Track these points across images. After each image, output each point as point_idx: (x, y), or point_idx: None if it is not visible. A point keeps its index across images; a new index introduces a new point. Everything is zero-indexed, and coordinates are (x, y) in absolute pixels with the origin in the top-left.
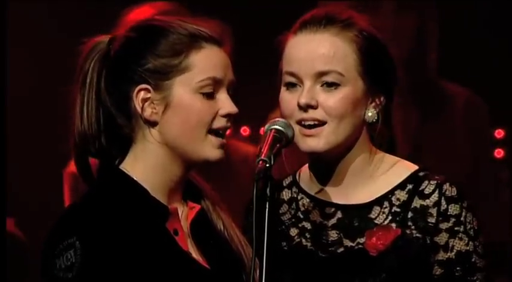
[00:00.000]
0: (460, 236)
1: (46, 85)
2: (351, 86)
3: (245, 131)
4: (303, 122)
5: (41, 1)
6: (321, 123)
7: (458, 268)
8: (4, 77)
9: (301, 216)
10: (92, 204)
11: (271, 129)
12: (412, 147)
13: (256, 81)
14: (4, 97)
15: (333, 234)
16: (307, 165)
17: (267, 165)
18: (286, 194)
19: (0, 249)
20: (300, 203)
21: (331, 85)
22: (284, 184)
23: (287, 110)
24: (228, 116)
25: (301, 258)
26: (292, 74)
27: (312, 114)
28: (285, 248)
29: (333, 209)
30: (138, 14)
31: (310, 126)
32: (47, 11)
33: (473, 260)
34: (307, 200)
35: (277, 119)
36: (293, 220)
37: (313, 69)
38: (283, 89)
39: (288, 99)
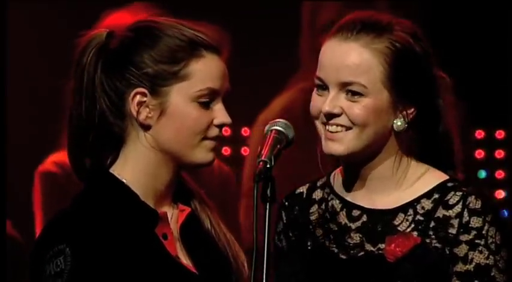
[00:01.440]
0: (480, 249)
1: (46, 85)
2: (374, 97)
3: (245, 131)
4: (327, 127)
5: (41, 1)
6: (346, 128)
7: (476, 281)
8: (4, 76)
9: (328, 217)
10: (81, 211)
11: (272, 130)
12: None
13: (257, 82)
14: (4, 97)
15: (356, 237)
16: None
17: (268, 166)
18: (317, 194)
19: (0, 251)
20: (330, 203)
21: (355, 94)
22: (318, 184)
23: (315, 111)
24: (221, 126)
25: (321, 258)
26: (320, 79)
27: (335, 120)
28: (309, 248)
29: (359, 212)
30: (116, 19)
31: (333, 131)
32: (47, 11)
33: (492, 274)
34: (337, 201)
35: (277, 119)
36: (320, 220)
37: (338, 79)
38: (315, 89)
39: (316, 100)
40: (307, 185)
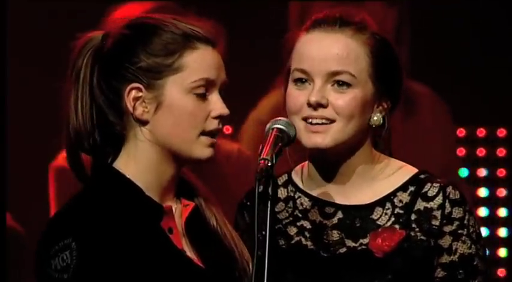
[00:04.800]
0: (463, 239)
1: (46, 83)
2: (361, 87)
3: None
4: (310, 120)
5: (41, 1)
6: (329, 121)
7: (461, 271)
8: (4, 75)
9: (300, 215)
10: (87, 205)
11: (273, 128)
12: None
13: (248, 80)
14: (4, 95)
15: (334, 234)
16: (303, 164)
17: (269, 164)
18: (282, 193)
19: (0, 245)
20: (298, 201)
21: (343, 85)
22: (279, 182)
23: (294, 106)
24: (219, 117)
25: (302, 257)
26: (303, 72)
27: (321, 112)
28: (283, 247)
29: (333, 209)
30: (124, 12)
31: (317, 124)
32: (48, 10)
33: (475, 263)
34: (306, 199)
35: (279, 118)
36: (290, 219)
37: (326, 69)
38: (291, 84)
39: (296, 95)
40: None
